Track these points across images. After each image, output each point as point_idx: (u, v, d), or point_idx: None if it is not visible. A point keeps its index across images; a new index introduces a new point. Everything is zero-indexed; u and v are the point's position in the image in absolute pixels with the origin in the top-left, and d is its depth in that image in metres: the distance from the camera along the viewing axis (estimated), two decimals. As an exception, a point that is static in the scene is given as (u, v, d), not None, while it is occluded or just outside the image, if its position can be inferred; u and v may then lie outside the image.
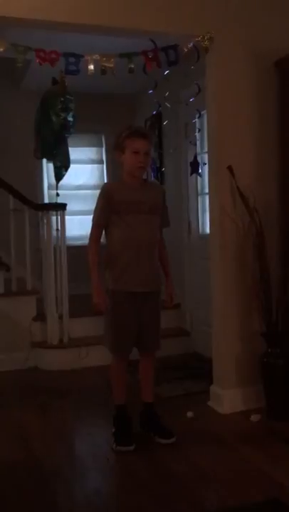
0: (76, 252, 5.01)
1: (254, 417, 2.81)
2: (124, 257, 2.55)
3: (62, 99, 3.67)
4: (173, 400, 3.17)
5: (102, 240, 2.70)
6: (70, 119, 3.76)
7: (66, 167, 3.99)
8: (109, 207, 2.56)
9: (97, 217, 2.62)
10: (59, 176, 4.02)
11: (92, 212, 2.65)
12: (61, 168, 3.98)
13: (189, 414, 2.91)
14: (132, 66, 2.89)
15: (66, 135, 3.82)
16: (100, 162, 5.84)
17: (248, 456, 2.42)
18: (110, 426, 2.64)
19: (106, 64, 2.83)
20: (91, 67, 2.83)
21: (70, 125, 3.77)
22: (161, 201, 2.66)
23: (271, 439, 2.61)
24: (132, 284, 2.54)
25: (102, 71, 2.85)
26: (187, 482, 2.21)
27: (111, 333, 2.60)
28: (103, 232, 2.66)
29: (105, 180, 5.81)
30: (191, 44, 2.87)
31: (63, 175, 4.02)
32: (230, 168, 2.89)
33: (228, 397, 2.95)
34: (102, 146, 5.84)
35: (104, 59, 2.84)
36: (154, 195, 2.65)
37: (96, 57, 2.83)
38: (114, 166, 5.75)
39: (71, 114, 3.76)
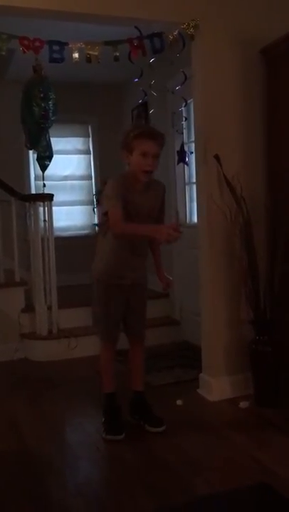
0: (64, 243, 5.02)
1: (243, 404, 2.84)
2: (119, 255, 2.54)
3: (40, 88, 3.61)
4: (163, 389, 3.19)
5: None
6: (51, 108, 3.70)
7: (49, 157, 3.95)
8: (122, 197, 2.41)
9: (116, 209, 2.38)
10: (43, 166, 3.99)
11: (106, 204, 2.45)
12: (44, 158, 3.94)
13: (179, 402, 2.93)
14: (117, 54, 2.86)
15: (47, 125, 3.77)
16: (87, 152, 5.81)
17: (237, 442, 2.45)
18: (100, 415, 2.65)
19: (91, 52, 2.80)
20: (76, 55, 2.79)
21: (49, 114, 3.71)
22: (160, 203, 2.61)
23: (260, 425, 2.64)
24: (123, 278, 2.55)
25: (87, 59, 2.82)
26: (177, 470, 2.23)
27: (102, 323, 2.62)
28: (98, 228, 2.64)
29: (92, 171, 5.79)
30: (176, 32, 2.85)
31: (47, 165, 3.98)
32: (217, 157, 2.88)
33: (217, 385, 2.97)
34: (88, 137, 5.81)
35: (89, 47, 2.81)
36: (155, 198, 2.57)
37: (81, 45, 2.80)
38: (101, 157, 5.73)
39: (51, 102, 3.70)
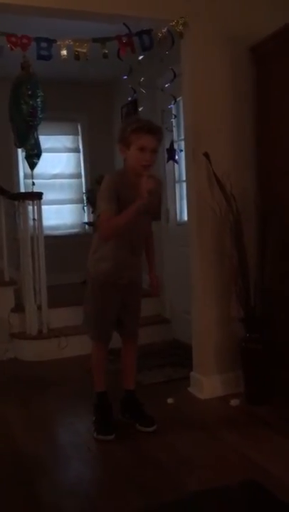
0: (54, 241, 5.00)
1: (233, 402, 2.85)
2: (118, 255, 2.49)
3: (28, 85, 3.58)
4: (154, 387, 3.18)
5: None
6: (39, 105, 3.68)
7: (38, 155, 3.93)
8: (117, 198, 2.35)
9: (109, 207, 2.34)
10: (32, 165, 3.96)
11: (98, 205, 2.42)
12: (33, 156, 3.91)
13: (170, 400, 2.93)
14: (106, 51, 2.84)
15: (35, 122, 3.74)
16: (77, 151, 5.78)
17: (229, 440, 2.45)
18: (91, 414, 2.64)
19: (79, 49, 2.78)
20: (64, 52, 2.77)
21: (37, 111, 3.68)
22: (157, 198, 2.58)
23: (251, 423, 2.64)
24: (119, 277, 2.52)
25: (75, 56, 2.80)
26: (169, 468, 2.22)
27: (94, 322, 2.60)
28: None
29: (82, 169, 5.76)
30: (165, 29, 2.84)
31: (36, 163, 3.96)
32: (206, 155, 2.88)
33: (208, 383, 2.97)
34: (78, 135, 5.78)
35: (78, 44, 2.79)
36: (153, 193, 2.46)
37: (69, 42, 2.78)
38: (90, 155, 5.71)
39: (39, 100, 3.67)
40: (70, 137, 5.75)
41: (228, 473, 2.15)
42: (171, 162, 3.87)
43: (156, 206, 2.59)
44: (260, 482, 2.03)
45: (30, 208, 4.04)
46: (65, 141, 5.71)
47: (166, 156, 3.66)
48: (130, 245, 2.51)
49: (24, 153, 4.06)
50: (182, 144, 3.39)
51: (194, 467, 2.22)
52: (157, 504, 1.97)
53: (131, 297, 2.61)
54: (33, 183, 4.10)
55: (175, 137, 3.93)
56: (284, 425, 2.54)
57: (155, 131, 2.40)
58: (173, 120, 3.83)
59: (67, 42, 2.79)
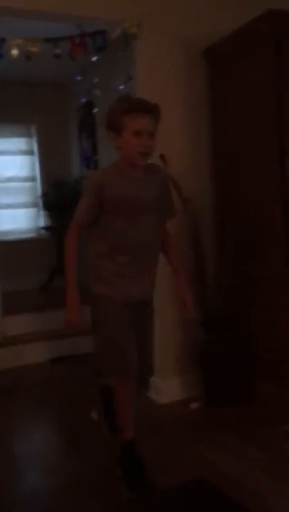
0: (8, 247, 4.88)
1: (193, 405, 2.84)
2: (120, 266, 2.02)
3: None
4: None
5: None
6: None
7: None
8: (99, 205, 1.97)
9: (81, 216, 2.00)
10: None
11: (77, 206, 2.02)
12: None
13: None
14: (58, 52, 2.79)
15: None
16: (31, 153, 5.67)
17: (188, 443, 2.44)
18: (48, 424, 2.57)
19: (30, 49, 2.71)
20: (14, 51, 2.70)
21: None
22: (163, 190, 2.13)
23: (209, 425, 2.63)
24: (127, 295, 2.05)
25: (26, 56, 2.73)
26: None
27: (112, 350, 2.03)
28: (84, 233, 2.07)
29: (37, 173, 5.65)
30: (119, 30, 2.81)
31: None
32: (162, 157, 2.86)
33: (167, 387, 2.95)
34: (32, 137, 5.67)
35: (29, 43, 2.72)
36: (157, 186, 2.10)
37: (19, 41, 2.71)
38: (46, 157, 5.61)
39: None
40: (24, 139, 5.63)
41: (187, 475, 2.12)
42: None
43: (163, 201, 2.12)
44: (209, 481, 2.00)
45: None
46: (19, 143, 5.59)
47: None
48: (133, 252, 2.03)
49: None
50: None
51: (153, 472, 2.19)
52: (110, 508, 1.93)
53: (138, 323, 2.08)
54: (-14, 187, 3.99)
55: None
56: (242, 426, 2.55)
57: (151, 108, 1.94)
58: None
59: (18, 41, 2.72)
